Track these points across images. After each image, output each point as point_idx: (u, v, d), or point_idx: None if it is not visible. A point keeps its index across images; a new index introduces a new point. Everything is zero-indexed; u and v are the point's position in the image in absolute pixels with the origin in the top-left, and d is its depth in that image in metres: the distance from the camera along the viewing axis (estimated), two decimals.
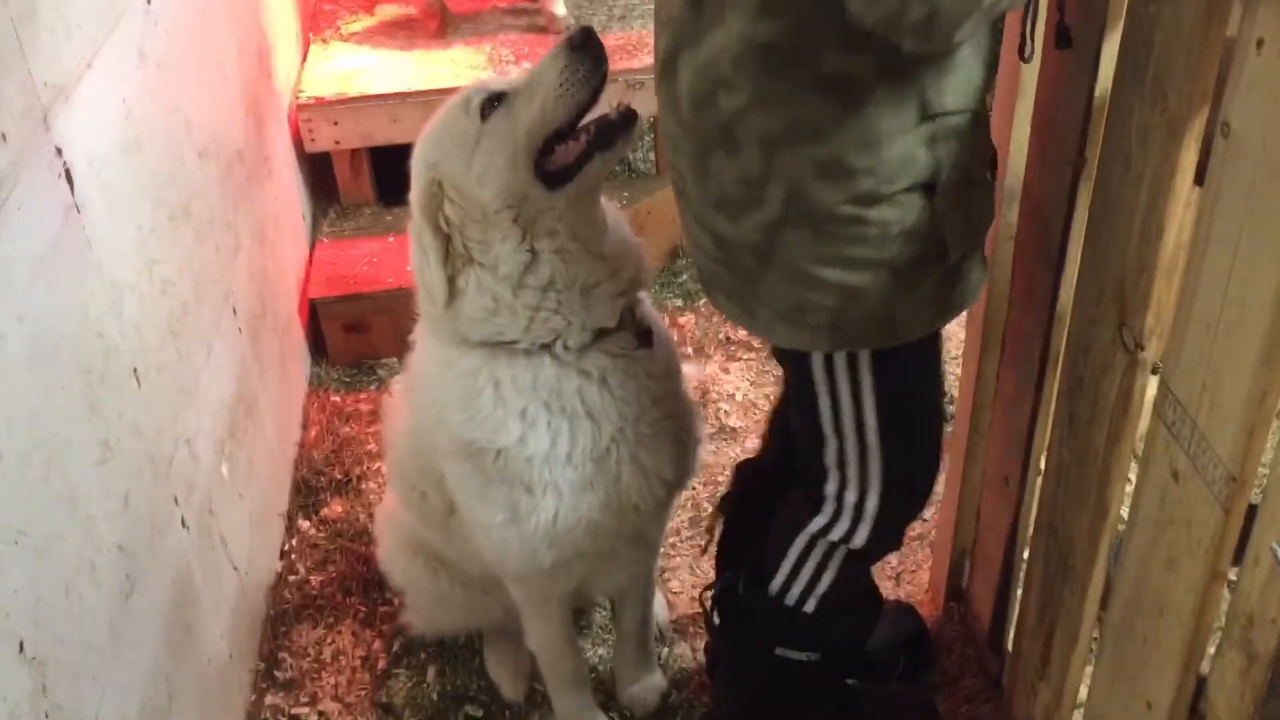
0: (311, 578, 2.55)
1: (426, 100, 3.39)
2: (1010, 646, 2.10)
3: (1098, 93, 1.53)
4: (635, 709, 2.22)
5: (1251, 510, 1.24)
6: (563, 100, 1.58)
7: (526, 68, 1.68)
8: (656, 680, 2.23)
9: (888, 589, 2.45)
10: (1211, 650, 1.36)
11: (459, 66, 3.52)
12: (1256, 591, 1.20)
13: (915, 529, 2.58)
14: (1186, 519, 1.34)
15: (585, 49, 1.58)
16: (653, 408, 1.76)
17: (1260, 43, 1.11)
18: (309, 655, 2.39)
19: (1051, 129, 1.68)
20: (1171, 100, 1.30)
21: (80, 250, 1.66)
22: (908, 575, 2.49)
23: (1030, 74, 1.73)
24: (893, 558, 2.52)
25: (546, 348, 1.66)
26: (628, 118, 1.61)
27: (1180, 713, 1.42)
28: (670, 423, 1.79)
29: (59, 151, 1.63)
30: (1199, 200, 1.26)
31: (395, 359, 3.17)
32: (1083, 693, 1.78)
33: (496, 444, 1.69)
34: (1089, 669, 1.75)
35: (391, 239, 3.34)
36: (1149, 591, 1.45)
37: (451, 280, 1.64)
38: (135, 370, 1.82)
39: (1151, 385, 1.45)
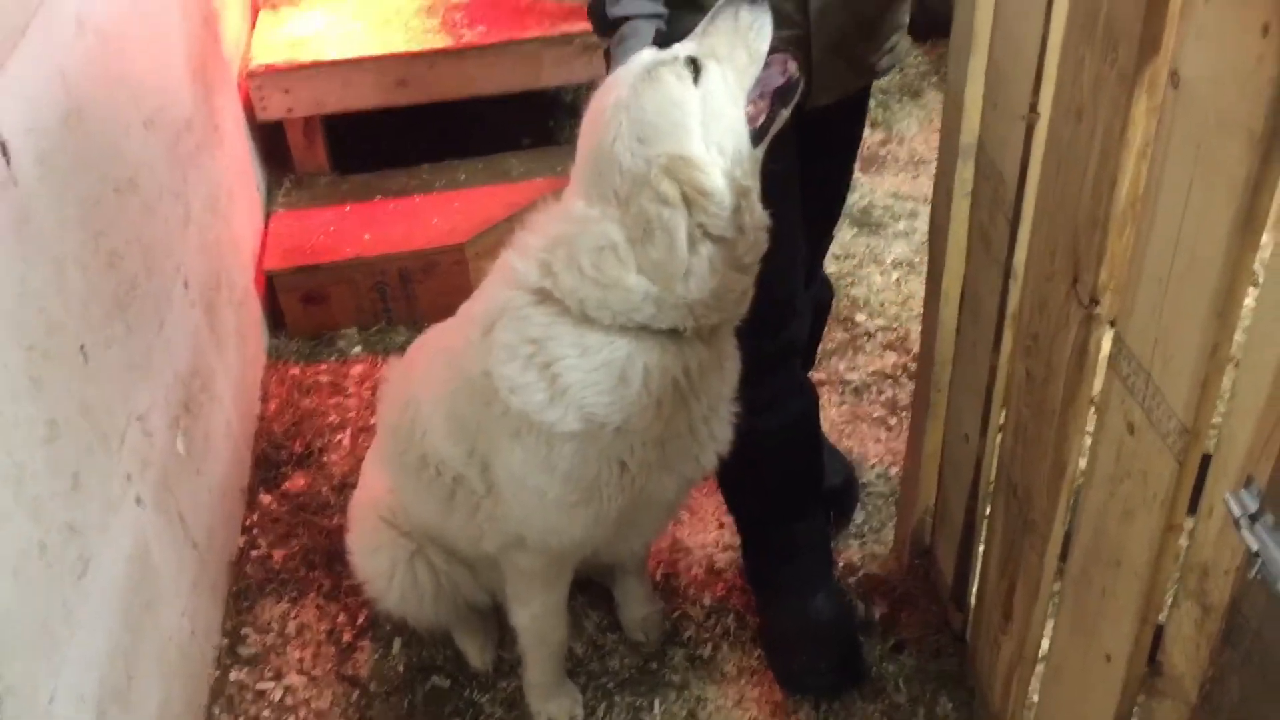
0: (274, 552, 2.52)
1: (379, 66, 3.34)
2: (973, 602, 2.12)
3: (1049, 44, 1.52)
4: (649, 635, 2.29)
5: (1206, 461, 1.24)
6: (757, 47, 1.60)
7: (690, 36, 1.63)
8: (659, 607, 2.33)
9: (852, 547, 2.46)
10: (1169, 600, 1.37)
11: (411, 31, 3.46)
12: (1210, 542, 1.21)
13: (879, 486, 2.60)
14: (1142, 471, 1.34)
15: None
16: (726, 386, 1.78)
17: None
18: (273, 630, 2.37)
19: (1004, 83, 1.67)
20: (1122, 51, 1.29)
21: (17, 224, 1.62)
22: (872, 534, 2.50)
23: (984, 26, 1.71)
24: (858, 515, 2.53)
25: (675, 330, 1.63)
26: (798, 79, 1.65)
27: (1138, 664, 1.43)
28: (728, 399, 1.80)
29: None
30: (1150, 152, 1.25)
31: (354, 329, 3.14)
32: (1045, 646, 1.79)
33: (611, 431, 1.66)
34: (1050, 623, 1.76)
35: (348, 208, 3.30)
36: (1106, 544, 1.46)
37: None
38: (82, 346, 1.79)
39: (1107, 340, 1.45)
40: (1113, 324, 1.43)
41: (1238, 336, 1.19)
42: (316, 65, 3.33)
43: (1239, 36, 1.05)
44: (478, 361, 1.70)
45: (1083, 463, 1.58)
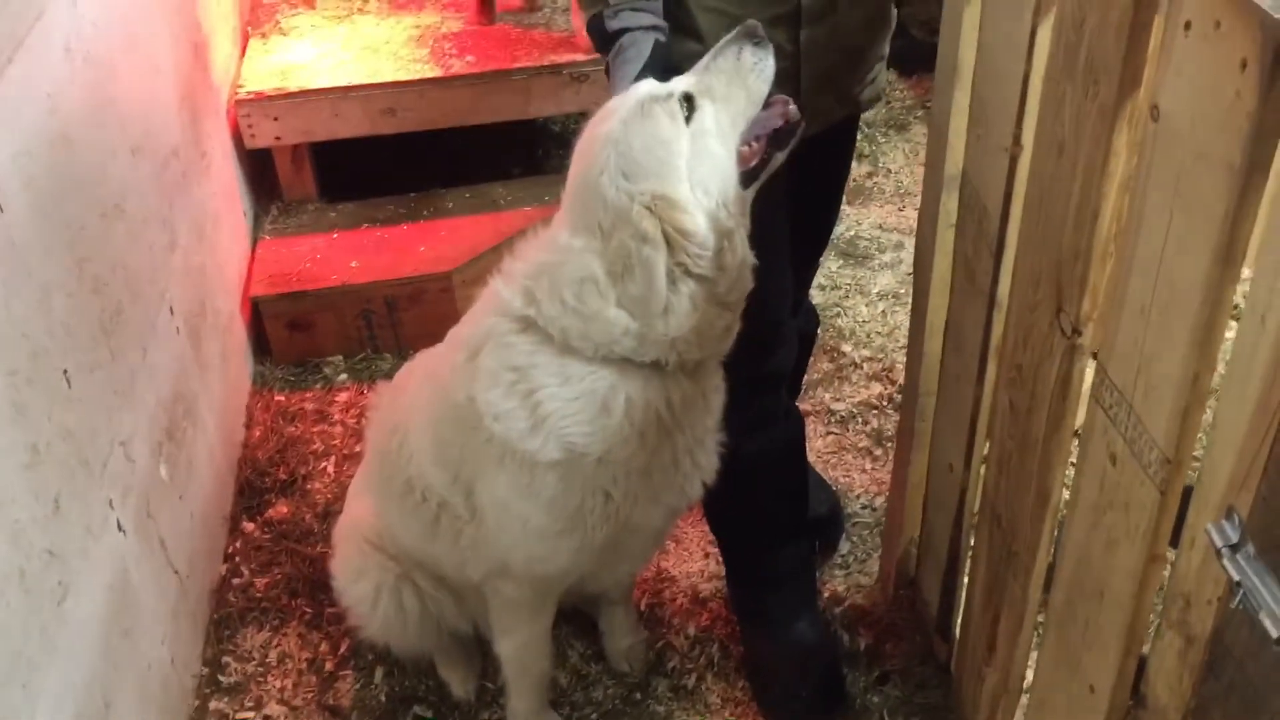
0: (256, 580, 2.50)
1: (368, 95, 3.36)
2: (958, 633, 2.11)
3: (1031, 79, 1.53)
4: (633, 664, 2.29)
5: (1188, 492, 1.25)
6: (757, 88, 1.60)
7: (688, 73, 1.64)
8: (644, 637, 2.33)
9: (838, 578, 2.46)
10: (1152, 631, 1.37)
11: (400, 60, 3.48)
12: (1193, 573, 1.21)
13: (865, 517, 2.59)
14: (1124, 502, 1.34)
15: (758, 38, 1.61)
16: (711, 417, 1.78)
17: (1188, 25, 1.11)
18: (254, 659, 2.35)
19: (987, 116, 1.69)
20: (1103, 85, 1.30)
21: (1, 250, 1.62)
22: (857, 564, 2.50)
23: (967, 60, 1.73)
24: (844, 545, 2.53)
25: (658, 363, 1.63)
26: (796, 122, 1.65)
27: (1122, 695, 1.43)
28: (714, 429, 1.80)
29: None
30: (1131, 185, 1.26)
31: (340, 357, 3.13)
32: (1029, 677, 1.79)
33: (594, 460, 1.66)
34: (1034, 654, 1.75)
35: (335, 235, 3.30)
36: (1089, 575, 1.46)
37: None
38: (65, 371, 1.78)
39: (1090, 371, 1.46)
40: (1095, 355, 1.44)
41: (1219, 368, 1.20)
42: (305, 94, 3.34)
43: (1217, 72, 1.07)
44: (462, 387, 1.70)
45: (1066, 494, 1.59)
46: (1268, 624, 1.00)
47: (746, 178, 1.61)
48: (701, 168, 1.57)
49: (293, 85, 3.36)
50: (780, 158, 1.65)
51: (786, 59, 1.77)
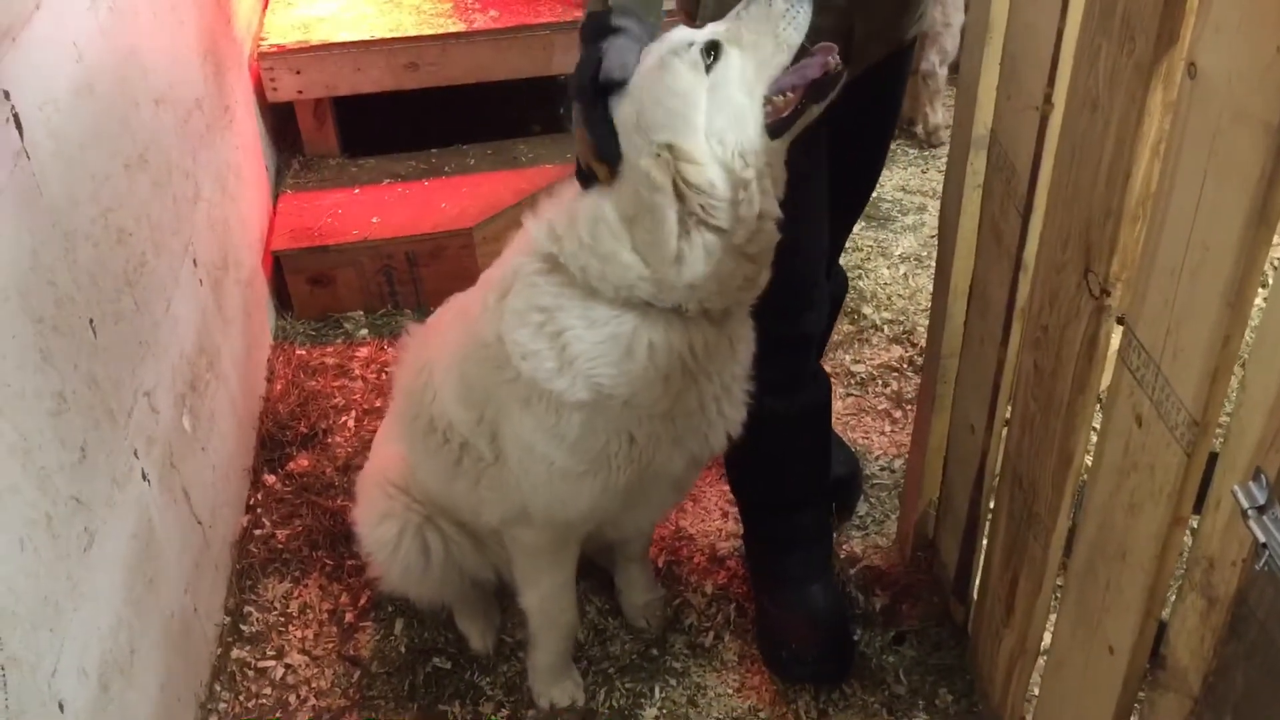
0: (278, 532, 2.53)
1: (390, 49, 3.34)
2: (975, 594, 2.12)
3: (1066, 35, 1.51)
4: (651, 621, 2.30)
5: (1213, 455, 1.24)
6: (786, 41, 1.55)
7: (722, 21, 1.57)
8: (661, 594, 2.34)
9: (855, 539, 2.46)
10: (1173, 595, 1.37)
11: (423, 15, 3.46)
12: (1217, 535, 1.20)
13: (883, 479, 2.60)
14: (1150, 464, 1.34)
15: None
16: (739, 366, 1.78)
17: None
18: (275, 609, 2.38)
19: (1019, 73, 1.67)
20: (1139, 41, 1.29)
21: (30, 196, 1.62)
22: (875, 526, 2.50)
23: (999, 16, 1.71)
24: (861, 507, 2.53)
25: (680, 309, 1.63)
26: (838, 74, 1.58)
27: (1141, 657, 1.43)
28: (741, 381, 1.80)
29: (6, 95, 1.58)
30: (1165, 143, 1.25)
31: (361, 312, 3.14)
32: (1047, 639, 1.79)
33: (619, 402, 1.66)
34: (1052, 616, 1.76)
35: (357, 190, 3.30)
36: (1112, 537, 1.46)
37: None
38: (91, 321, 1.79)
39: (1117, 333, 1.45)
40: (1120, 320, 1.43)
41: (1247, 332, 1.19)
42: (328, 47, 3.33)
43: (1257, 29, 1.05)
44: (491, 326, 1.72)
45: (1089, 457, 1.58)
46: None
47: (776, 128, 1.58)
48: (720, 118, 1.54)
49: (315, 39, 3.34)
50: (816, 110, 1.60)
51: (835, 14, 1.72)
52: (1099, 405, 1.57)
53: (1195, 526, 1.27)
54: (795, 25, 1.56)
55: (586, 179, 1.62)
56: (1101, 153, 1.40)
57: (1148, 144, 1.33)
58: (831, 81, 1.59)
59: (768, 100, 1.58)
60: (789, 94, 1.58)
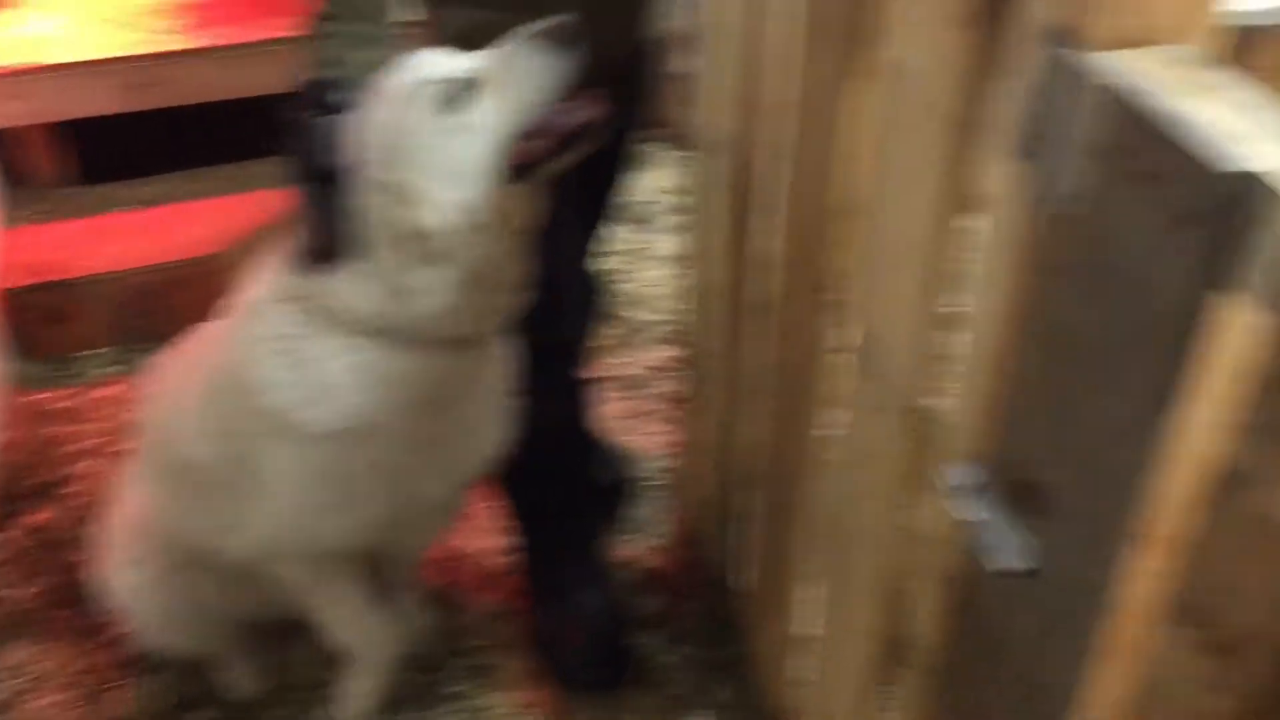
0: (20, 591, 2.34)
1: (112, 70, 3.15)
2: (744, 588, 2.16)
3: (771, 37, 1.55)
4: (426, 646, 2.22)
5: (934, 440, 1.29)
6: (543, 95, 1.43)
7: (482, 53, 1.46)
8: (435, 617, 2.28)
9: (631, 542, 2.47)
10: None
11: (147, 33, 3.27)
12: (940, 517, 1.25)
13: (661, 480, 2.61)
14: (880, 451, 1.38)
15: (562, 38, 1.43)
16: (496, 386, 1.74)
17: None
18: (23, 674, 2.21)
19: (746, 76, 1.70)
20: (836, 41, 1.33)
21: None
22: (653, 527, 2.51)
23: (727, 19, 1.74)
24: (638, 510, 2.54)
25: (419, 339, 1.56)
26: (596, 121, 1.47)
27: (891, 636, 1.48)
28: (499, 401, 1.77)
29: None
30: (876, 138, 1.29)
31: (105, 349, 2.95)
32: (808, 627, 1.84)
33: (368, 432, 1.60)
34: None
35: (93, 220, 3.10)
36: (850, 523, 1.51)
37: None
38: None
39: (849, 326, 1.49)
40: (848, 313, 1.47)
41: (967, 314, 1.24)
42: (53, 69, 3.12)
43: (935, 24, 1.09)
44: (235, 357, 1.64)
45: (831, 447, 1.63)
46: (1003, 559, 1.04)
47: (521, 173, 1.48)
48: (456, 159, 1.45)
49: (33, 60, 3.12)
50: (568, 159, 1.50)
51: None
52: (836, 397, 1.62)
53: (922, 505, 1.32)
54: (550, 82, 1.45)
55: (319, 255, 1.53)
56: (819, 152, 1.44)
57: (864, 142, 1.37)
58: (591, 134, 1.49)
59: (517, 142, 1.47)
60: (538, 141, 1.47)
